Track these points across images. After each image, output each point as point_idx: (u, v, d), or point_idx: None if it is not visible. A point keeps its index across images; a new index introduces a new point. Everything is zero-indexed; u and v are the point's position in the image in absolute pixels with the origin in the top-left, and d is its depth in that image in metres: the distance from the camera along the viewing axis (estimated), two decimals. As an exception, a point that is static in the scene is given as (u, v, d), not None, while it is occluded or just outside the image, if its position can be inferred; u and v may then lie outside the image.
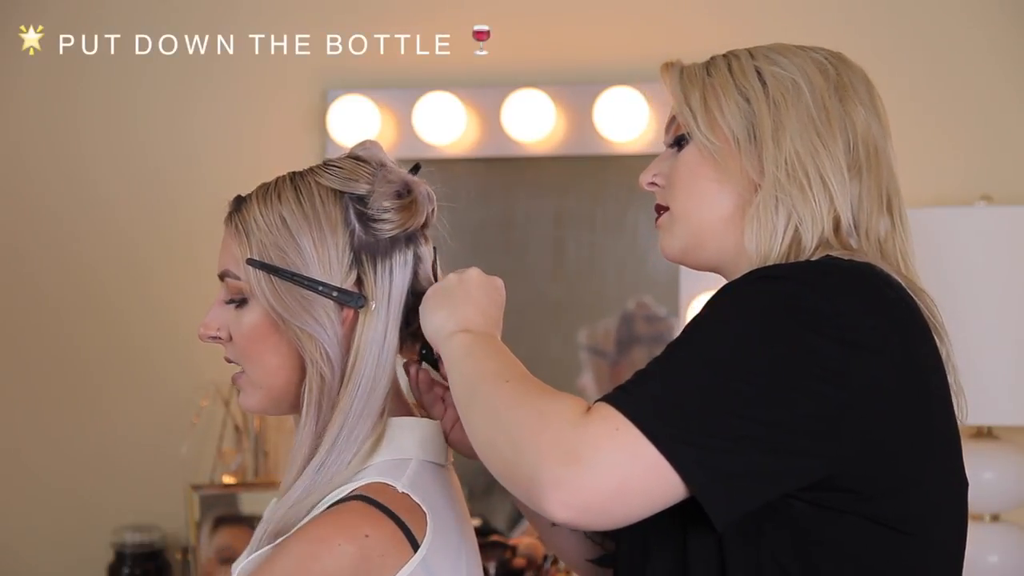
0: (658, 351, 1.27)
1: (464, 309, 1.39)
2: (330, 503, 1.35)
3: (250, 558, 1.37)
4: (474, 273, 1.43)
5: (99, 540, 2.94)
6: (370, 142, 1.49)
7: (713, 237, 1.40)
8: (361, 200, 1.42)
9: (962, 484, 1.37)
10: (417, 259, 1.45)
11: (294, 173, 1.45)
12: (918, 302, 1.33)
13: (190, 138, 3.03)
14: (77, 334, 3.05)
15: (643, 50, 2.86)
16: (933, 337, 1.33)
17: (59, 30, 3.04)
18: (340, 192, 1.42)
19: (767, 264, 1.33)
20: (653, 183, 1.45)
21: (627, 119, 2.80)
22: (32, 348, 3.07)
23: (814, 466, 1.22)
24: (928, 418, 1.29)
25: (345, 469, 1.38)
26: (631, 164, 2.84)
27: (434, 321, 1.39)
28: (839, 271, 1.28)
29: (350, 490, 1.36)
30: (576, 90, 2.84)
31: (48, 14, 3.04)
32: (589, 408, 1.22)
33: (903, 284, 1.33)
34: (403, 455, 1.41)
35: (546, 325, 2.90)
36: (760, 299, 1.25)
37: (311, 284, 1.39)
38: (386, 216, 1.43)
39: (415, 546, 1.33)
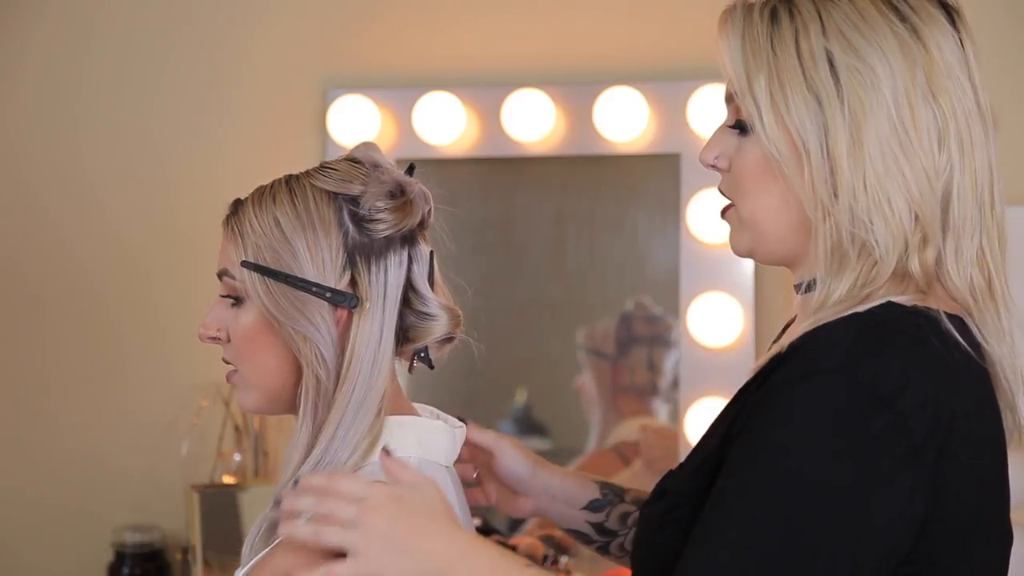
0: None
1: (417, 547, 1.22)
2: None
3: (252, 561, 1.37)
4: (384, 501, 1.24)
5: (99, 540, 2.94)
6: (367, 144, 1.50)
7: (781, 243, 1.30)
8: (355, 201, 1.43)
9: (1006, 543, 1.30)
10: (412, 259, 1.45)
11: (290, 176, 1.46)
12: (983, 347, 1.24)
13: (190, 138, 3.03)
14: (76, 334, 3.05)
15: (643, 50, 2.86)
16: (992, 394, 1.25)
17: (59, 30, 3.04)
18: (333, 193, 1.43)
19: (831, 293, 1.23)
20: (714, 165, 1.33)
21: (627, 119, 2.80)
22: (31, 348, 3.07)
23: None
24: (978, 506, 1.22)
25: (342, 468, 1.38)
26: (631, 164, 2.84)
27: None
28: (891, 352, 1.17)
29: None
30: (576, 90, 2.84)
31: (48, 13, 3.04)
32: None
33: (963, 327, 1.23)
34: (403, 453, 1.41)
35: (546, 325, 2.90)
36: (808, 430, 1.15)
37: (304, 285, 1.40)
38: (379, 216, 1.43)
39: None
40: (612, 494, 1.58)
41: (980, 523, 1.24)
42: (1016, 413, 1.29)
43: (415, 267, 1.46)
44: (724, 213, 1.35)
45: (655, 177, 2.82)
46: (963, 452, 1.19)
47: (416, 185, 1.49)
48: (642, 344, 2.85)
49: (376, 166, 1.47)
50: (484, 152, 2.88)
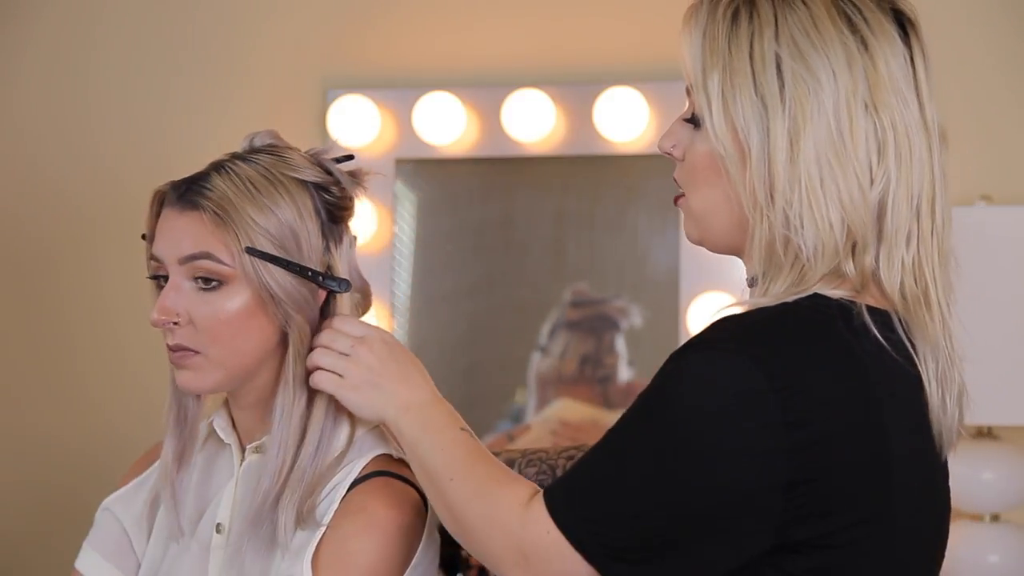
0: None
1: (391, 387, 1.42)
2: (348, 484, 1.45)
3: (305, 557, 1.42)
4: (378, 342, 1.45)
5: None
6: (268, 132, 1.57)
7: (726, 236, 1.35)
8: (323, 189, 1.49)
9: (939, 512, 1.34)
10: (351, 240, 1.53)
11: (245, 158, 1.50)
12: (905, 342, 1.27)
13: (190, 138, 3.03)
14: (76, 332, 3.06)
15: (643, 50, 2.86)
16: (909, 381, 1.28)
17: (60, 29, 3.04)
18: (303, 181, 1.49)
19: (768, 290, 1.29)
20: (670, 153, 1.37)
21: (627, 119, 2.80)
22: (32, 346, 3.07)
23: (751, 542, 1.23)
24: (888, 487, 1.26)
25: (343, 446, 1.47)
26: (631, 164, 2.84)
27: (372, 409, 1.44)
28: (790, 336, 1.24)
29: (361, 467, 1.46)
30: (576, 90, 2.84)
31: (49, 11, 3.05)
32: (531, 499, 1.27)
33: (890, 322, 1.27)
34: (371, 424, 1.51)
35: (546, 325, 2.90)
36: (684, 387, 1.23)
37: (301, 271, 1.46)
38: (347, 204, 1.51)
39: (425, 502, 1.46)
40: None
41: (895, 502, 1.25)
42: (941, 422, 1.31)
43: (353, 247, 1.54)
44: (677, 200, 1.39)
45: (655, 177, 2.82)
46: (859, 440, 1.23)
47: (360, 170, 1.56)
48: (564, 329, 2.86)
49: (319, 153, 1.54)
50: (484, 152, 2.88)
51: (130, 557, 1.61)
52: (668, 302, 2.81)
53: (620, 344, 2.84)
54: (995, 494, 2.55)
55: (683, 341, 2.98)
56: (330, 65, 2.97)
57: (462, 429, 1.39)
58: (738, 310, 1.29)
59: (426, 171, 2.88)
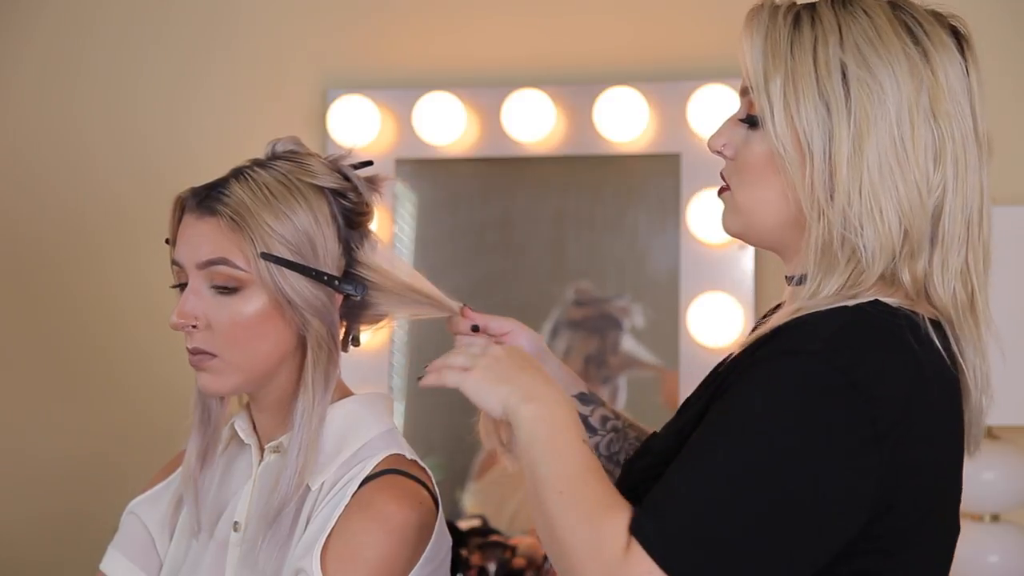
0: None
1: (519, 378, 1.35)
2: (360, 480, 1.46)
3: (314, 551, 1.44)
4: (507, 346, 1.41)
5: (100, 540, 2.93)
6: (290, 138, 1.57)
7: (771, 233, 1.37)
8: (341, 195, 1.51)
9: (953, 536, 1.38)
10: (372, 244, 1.54)
11: (264, 165, 1.51)
12: (956, 355, 1.32)
13: (190, 138, 3.03)
14: (76, 333, 3.06)
15: (643, 50, 2.86)
16: (958, 398, 1.34)
17: (59, 28, 3.04)
18: (321, 188, 1.50)
19: (817, 289, 1.30)
20: (721, 152, 1.39)
21: (627, 119, 2.80)
22: (30, 346, 3.07)
23: (833, 549, 1.25)
24: (933, 500, 1.30)
25: (363, 446, 1.49)
26: (631, 164, 2.85)
27: (496, 395, 1.35)
28: (871, 345, 1.25)
29: (373, 465, 1.48)
30: (576, 90, 2.84)
31: (49, 12, 3.05)
32: (629, 540, 1.21)
33: (942, 332, 1.31)
34: (386, 426, 1.54)
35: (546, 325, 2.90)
36: (784, 399, 1.22)
37: (317, 275, 1.47)
38: (368, 210, 1.53)
39: (436, 503, 1.50)
40: (594, 396, 1.63)
41: (932, 516, 1.31)
42: (977, 423, 1.38)
43: (374, 251, 1.55)
44: (720, 192, 1.41)
45: (655, 177, 2.83)
46: (923, 448, 1.27)
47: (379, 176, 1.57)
48: (567, 328, 2.86)
49: (336, 160, 1.55)
50: (484, 152, 2.88)
51: (153, 558, 1.65)
52: (668, 302, 2.81)
53: (624, 344, 2.84)
54: (995, 494, 2.55)
55: (683, 341, 2.99)
56: (330, 65, 2.97)
57: (585, 442, 1.32)
58: (808, 311, 1.28)
59: (426, 171, 2.88)
